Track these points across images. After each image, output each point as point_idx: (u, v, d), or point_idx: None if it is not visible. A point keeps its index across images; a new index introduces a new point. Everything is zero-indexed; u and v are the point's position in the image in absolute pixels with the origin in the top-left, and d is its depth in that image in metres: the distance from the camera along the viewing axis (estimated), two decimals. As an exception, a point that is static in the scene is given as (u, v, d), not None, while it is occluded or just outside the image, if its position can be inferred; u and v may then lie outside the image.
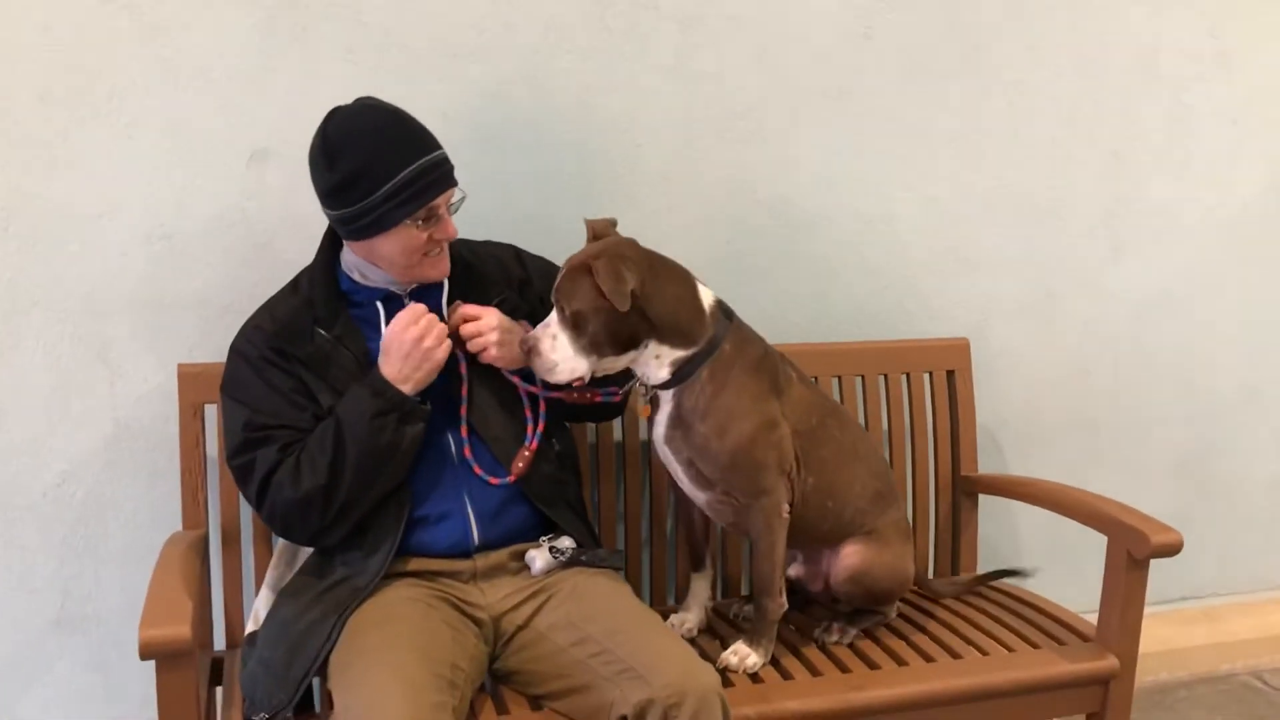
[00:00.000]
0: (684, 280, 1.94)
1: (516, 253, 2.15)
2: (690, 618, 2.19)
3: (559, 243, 2.10)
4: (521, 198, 2.38)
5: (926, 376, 2.58)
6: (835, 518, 2.05)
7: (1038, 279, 2.79)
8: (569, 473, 2.10)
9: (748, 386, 1.94)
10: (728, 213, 2.53)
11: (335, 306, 1.96)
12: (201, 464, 2.14)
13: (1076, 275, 2.82)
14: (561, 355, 1.87)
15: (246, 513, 2.17)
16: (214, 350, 2.23)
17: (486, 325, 1.94)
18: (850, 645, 2.13)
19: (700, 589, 2.21)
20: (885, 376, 2.53)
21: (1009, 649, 2.12)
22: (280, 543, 2.08)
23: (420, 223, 1.88)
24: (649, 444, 2.21)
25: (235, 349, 1.95)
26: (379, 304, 1.97)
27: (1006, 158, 2.70)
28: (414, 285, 1.99)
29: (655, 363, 1.92)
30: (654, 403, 1.99)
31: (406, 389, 1.87)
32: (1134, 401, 2.94)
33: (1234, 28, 2.83)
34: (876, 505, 2.10)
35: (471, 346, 1.95)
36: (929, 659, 2.08)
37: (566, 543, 1.99)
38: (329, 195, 1.88)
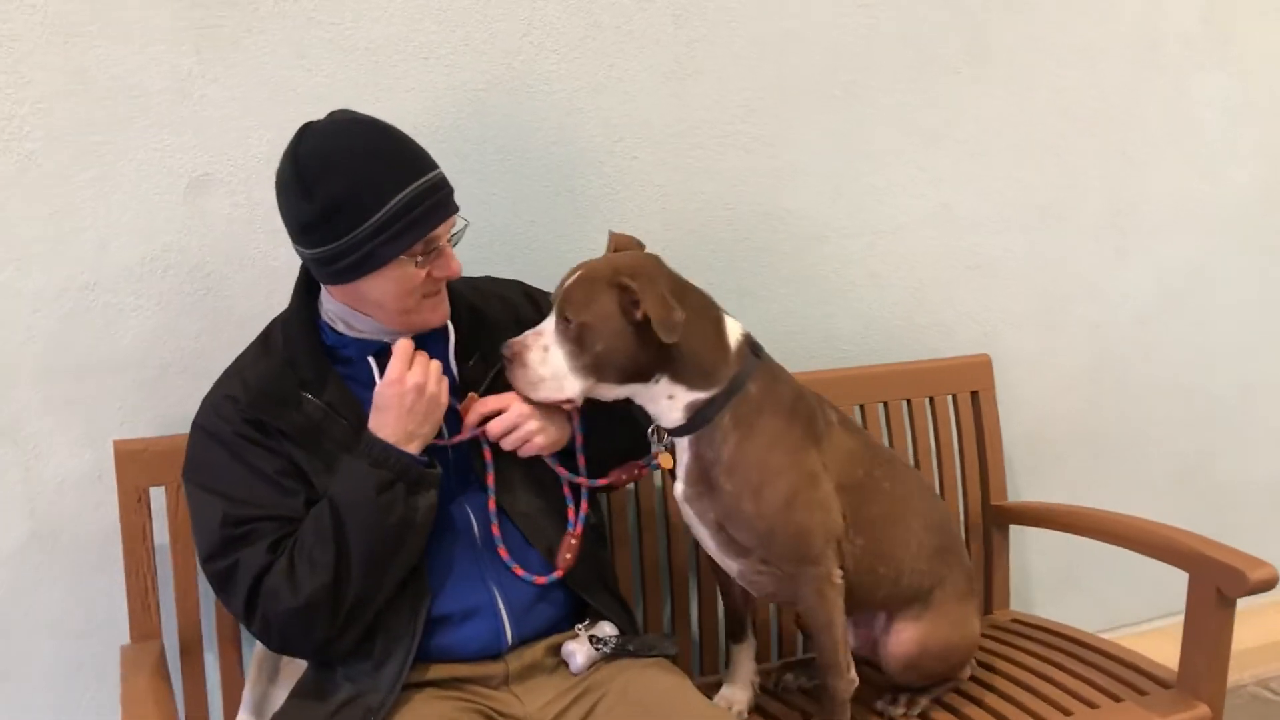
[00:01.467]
0: (709, 311, 1.66)
1: (525, 290, 1.84)
2: (739, 696, 1.90)
3: (540, 266, 1.88)
4: (501, 215, 2.07)
5: (950, 399, 2.36)
6: (890, 584, 1.79)
7: (1045, 286, 2.61)
8: (601, 547, 1.79)
9: (781, 435, 1.66)
10: (729, 228, 2.25)
11: (322, 366, 1.61)
12: (150, 561, 1.77)
13: (1083, 280, 2.65)
14: (552, 371, 1.57)
15: (209, 614, 1.80)
16: (154, 421, 1.86)
17: (519, 415, 1.61)
18: (921, 715, 1.89)
19: (744, 661, 1.93)
20: (908, 402, 2.30)
21: (1091, 705, 1.91)
22: (257, 652, 1.73)
23: (418, 259, 1.55)
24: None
25: (202, 427, 1.59)
26: (371, 360, 1.63)
27: (1013, 157, 2.50)
28: (410, 335, 1.66)
29: (667, 403, 1.63)
30: (671, 450, 1.71)
31: (412, 449, 1.55)
32: (1138, 409, 2.79)
33: (1228, 11, 2.69)
34: (937, 564, 1.85)
35: (508, 444, 1.62)
36: (1014, 728, 1.85)
37: (607, 629, 1.69)
38: (305, 230, 1.53)
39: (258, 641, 1.69)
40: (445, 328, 1.69)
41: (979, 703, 1.93)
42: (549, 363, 1.57)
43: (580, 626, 1.69)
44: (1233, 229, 2.80)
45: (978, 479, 2.37)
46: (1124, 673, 2.02)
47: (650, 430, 1.70)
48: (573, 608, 1.72)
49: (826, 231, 2.34)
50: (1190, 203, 2.73)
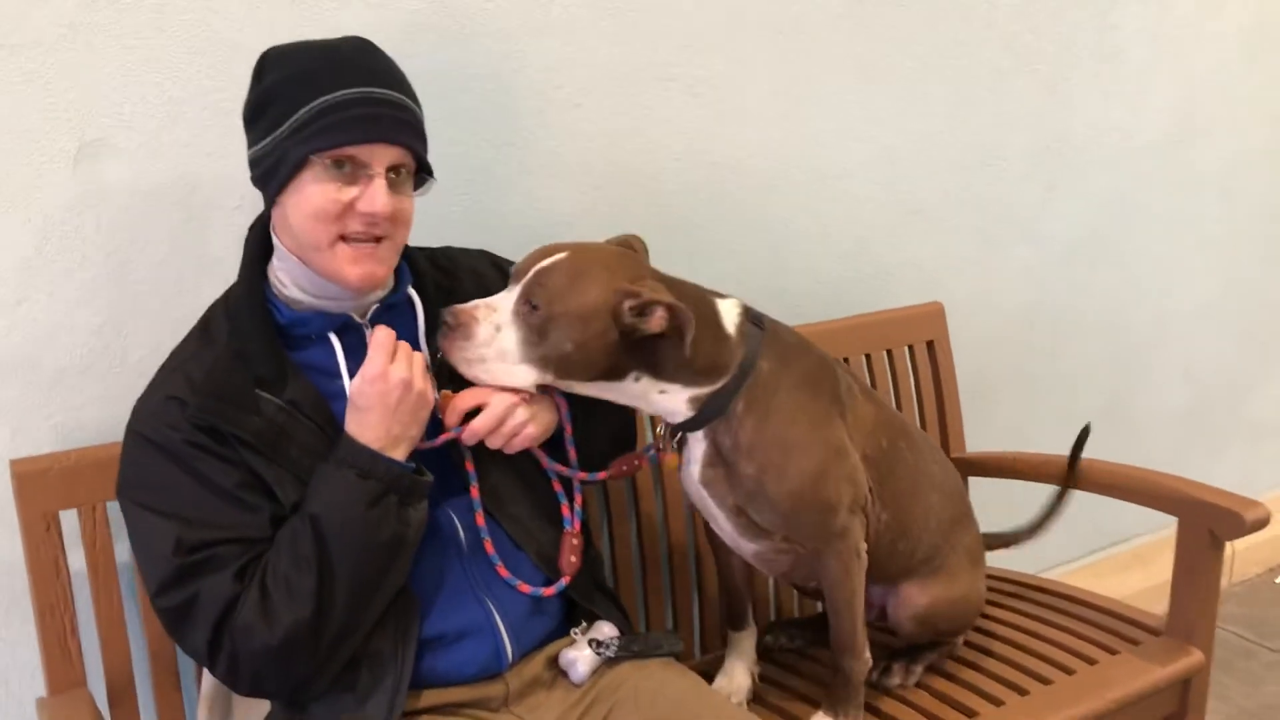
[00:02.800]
0: (702, 303, 1.47)
1: (493, 261, 1.63)
2: (739, 684, 1.77)
3: (481, 229, 1.73)
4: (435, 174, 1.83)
5: (906, 350, 2.26)
6: (906, 558, 1.69)
7: (983, 228, 2.53)
8: (589, 542, 1.62)
9: (803, 408, 1.52)
10: (678, 180, 2.08)
11: (278, 356, 1.38)
12: (67, 597, 1.50)
13: (1016, 220, 2.58)
14: (497, 353, 1.38)
15: (140, 652, 1.56)
16: (53, 433, 1.59)
17: (505, 405, 1.40)
18: (919, 685, 1.80)
19: (746, 650, 1.79)
20: (868, 356, 2.19)
21: (1090, 661, 1.86)
22: (206, 690, 1.50)
23: (332, 170, 1.31)
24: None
25: (143, 435, 1.33)
26: (334, 338, 1.41)
27: (953, 95, 2.40)
28: (364, 304, 1.43)
29: (662, 398, 1.46)
30: (680, 444, 1.55)
31: (399, 454, 1.34)
32: (1068, 348, 2.77)
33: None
34: (950, 534, 1.76)
35: (495, 441, 1.42)
36: (1021, 690, 1.78)
37: (607, 631, 1.53)
38: (246, 126, 1.37)
39: (206, 676, 1.47)
40: (411, 304, 1.47)
41: (977, 667, 1.85)
42: (497, 343, 1.37)
43: (577, 631, 1.53)
44: (1150, 161, 2.78)
45: (937, 432, 2.28)
46: (1109, 622, 1.98)
47: (660, 427, 1.53)
48: (566, 611, 1.55)
49: (774, 180, 2.19)
50: (1113, 134, 2.69)
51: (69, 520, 1.52)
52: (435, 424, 1.42)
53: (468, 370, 1.39)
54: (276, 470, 1.33)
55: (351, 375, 1.37)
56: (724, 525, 1.58)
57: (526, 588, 1.45)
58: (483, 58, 1.84)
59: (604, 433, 1.58)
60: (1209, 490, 1.88)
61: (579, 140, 1.95)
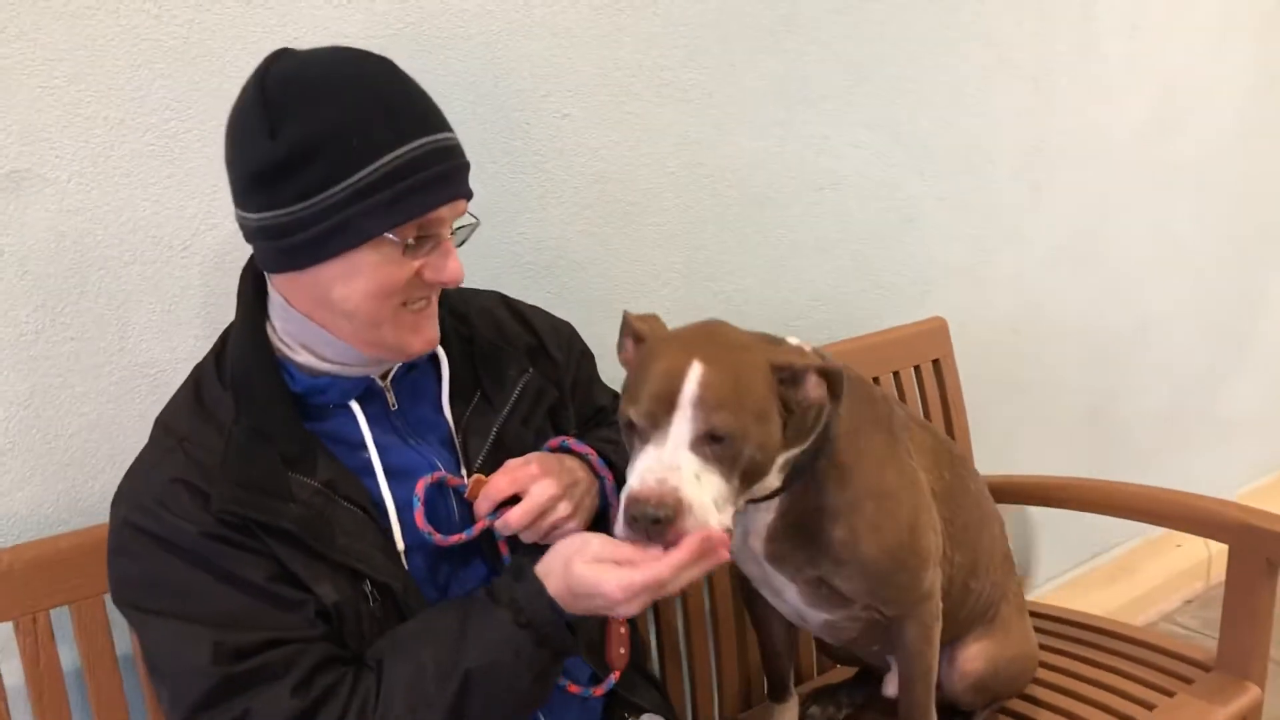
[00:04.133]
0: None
1: (504, 301, 1.41)
2: (784, 761, 1.59)
3: (465, 258, 1.39)
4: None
5: (913, 371, 2.10)
6: (975, 599, 1.53)
7: (973, 236, 2.39)
8: (632, 625, 1.41)
9: (887, 451, 1.34)
10: (673, 196, 1.88)
11: (300, 430, 1.15)
12: None
13: (1005, 225, 2.44)
14: (704, 506, 1.08)
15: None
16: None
17: (547, 497, 1.19)
18: (973, 747, 1.64)
19: (788, 722, 1.61)
20: (875, 379, 2.02)
21: (1147, 705, 1.72)
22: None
23: (410, 244, 1.10)
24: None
25: (141, 529, 1.09)
26: (355, 407, 1.18)
27: (941, 97, 2.24)
28: (386, 367, 1.21)
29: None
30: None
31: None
32: (1052, 353, 2.65)
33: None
34: (1006, 571, 1.60)
35: (532, 536, 1.20)
36: (1084, 745, 1.63)
37: (652, 723, 1.33)
38: (259, 182, 1.08)
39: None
40: (436, 358, 1.25)
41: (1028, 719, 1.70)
42: (703, 498, 1.08)
43: (623, 730, 1.32)
44: (1127, 158, 2.68)
45: (948, 456, 2.13)
46: (1156, 659, 1.85)
47: None
48: (608, 701, 1.34)
49: (770, 191, 2.00)
50: (1092, 131, 2.57)
51: (62, 618, 1.28)
52: (466, 508, 1.21)
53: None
54: (315, 565, 1.10)
55: (377, 447, 1.15)
56: (791, 599, 1.38)
57: (575, 688, 1.25)
58: (462, 64, 1.61)
59: None
60: (1262, 515, 1.76)
61: (566, 155, 1.74)
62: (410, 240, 1.10)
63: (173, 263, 1.40)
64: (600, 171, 1.78)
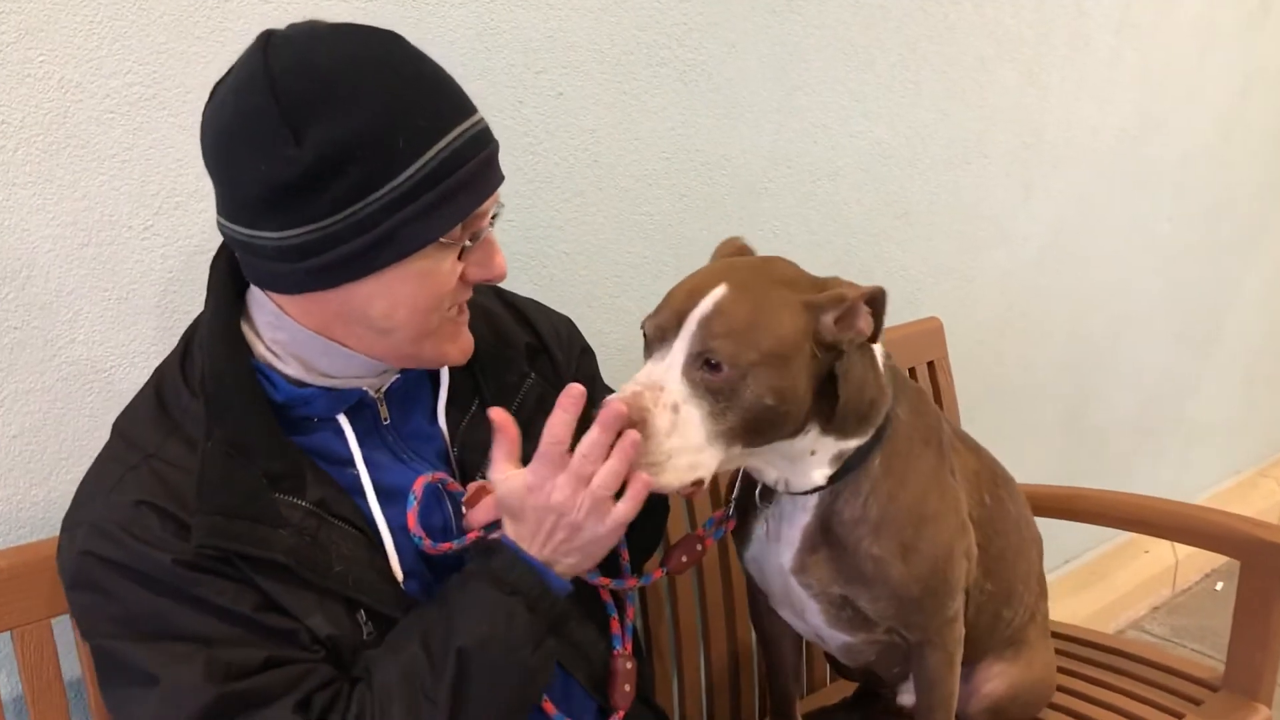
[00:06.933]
0: None
1: (499, 295, 1.28)
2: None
3: None
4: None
5: (906, 374, 2.00)
6: (1005, 627, 1.44)
7: (965, 232, 2.30)
8: (638, 654, 1.29)
9: (935, 471, 1.25)
10: (668, 182, 1.76)
11: (287, 445, 1.02)
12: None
13: (995, 222, 2.37)
14: (682, 443, 1.01)
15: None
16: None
17: None
18: (981, 774, 1.55)
19: (793, 752, 1.51)
20: (872, 382, 1.92)
21: (1160, 732, 1.65)
22: None
23: (466, 245, 1.00)
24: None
25: (103, 559, 0.95)
26: (343, 421, 1.05)
27: (941, 87, 2.15)
28: (388, 378, 1.08)
29: (808, 461, 1.15)
30: (747, 515, 1.26)
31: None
32: (1034, 355, 2.58)
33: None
34: (1038, 594, 1.52)
35: None
36: (1099, 774, 1.55)
37: (660, 762, 1.22)
38: (281, 197, 0.93)
39: None
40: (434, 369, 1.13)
41: (1039, 746, 1.62)
42: (680, 431, 1.00)
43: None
44: (1112, 158, 2.62)
45: (941, 462, 2.04)
46: (1161, 678, 1.78)
47: (735, 494, 1.22)
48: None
49: (765, 182, 1.90)
50: (1081, 129, 2.50)
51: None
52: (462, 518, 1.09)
53: (659, 480, 1.01)
54: (305, 595, 0.98)
55: (367, 464, 1.02)
56: (815, 617, 1.28)
57: (553, 709, 1.12)
58: (452, 34, 1.48)
59: (654, 524, 1.27)
60: (1275, 530, 1.69)
61: (559, 137, 1.61)
62: (467, 242, 0.98)
63: (130, 245, 1.25)
64: (595, 156, 1.65)
